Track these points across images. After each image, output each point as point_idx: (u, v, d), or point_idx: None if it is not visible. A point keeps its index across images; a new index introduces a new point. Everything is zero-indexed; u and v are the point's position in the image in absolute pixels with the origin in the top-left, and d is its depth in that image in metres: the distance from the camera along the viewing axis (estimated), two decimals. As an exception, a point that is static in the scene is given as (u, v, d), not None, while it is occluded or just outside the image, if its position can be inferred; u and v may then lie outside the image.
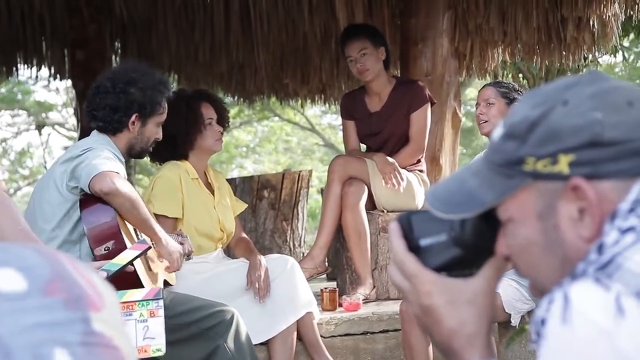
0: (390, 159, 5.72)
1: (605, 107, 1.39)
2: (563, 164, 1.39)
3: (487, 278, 1.56)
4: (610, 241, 1.34)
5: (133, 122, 4.20)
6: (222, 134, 5.06)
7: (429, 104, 5.90)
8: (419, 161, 5.97)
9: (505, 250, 1.51)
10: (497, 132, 1.48)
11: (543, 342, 1.32)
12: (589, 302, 1.27)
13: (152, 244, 4.16)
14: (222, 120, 5.08)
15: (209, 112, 5.00)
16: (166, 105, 4.33)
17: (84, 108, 4.34)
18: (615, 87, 1.43)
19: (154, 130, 4.28)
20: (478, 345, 1.54)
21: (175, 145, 4.97)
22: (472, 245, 1.56)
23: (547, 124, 1.40)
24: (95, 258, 3.89)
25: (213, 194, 5.06)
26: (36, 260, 0.93)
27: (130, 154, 4.35)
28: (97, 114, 4.21)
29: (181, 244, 4.43)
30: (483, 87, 5.18)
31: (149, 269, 4.08)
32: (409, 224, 1.60)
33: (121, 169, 4.03)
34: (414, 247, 1.59)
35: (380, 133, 5.92)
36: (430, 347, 4.66)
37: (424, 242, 1.59)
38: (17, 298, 0.88)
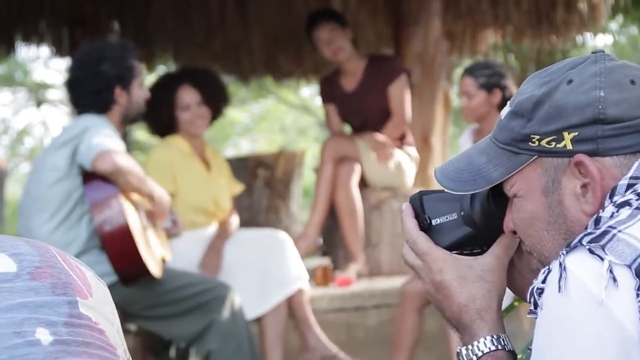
0: (380, 137, 5.82)
1: (608, 85, 1.41)
2: (567, 141, 1.41)
3: (497, 255, 1.60)
4: (606, 215, 1.37)
5: (120, 95, 4.25)
6: (209, 115, 5.09)
7: (405, 75, 5.92)
8: (404, 136, 6.03)
9: (511, 226, 1.54)
10: (504, 110, 1.51)
11: (540, 312, 1.36)
12: (584, 272, 1.31)
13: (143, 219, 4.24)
14: (212, 101, 5.10)
15: (186, 96, 5.00)
16: (139, 64, 4.38)
17: (69, 103, 4.42)
18: (619, 66, 1.45)
19: (140, 92, 4.34)
20: (487, 319, 1.57)
21: (161, 124, 5.10)
22: (481, 224, 1.59)
23: (551, 102, 1.43)
24: (100, 235, 4.00)
25: (210, 171, 5.11)
26: (27, 249, 0.96)
27: (129, 122, 4.44)
28: (82, 103, 4.26)
29: (174, 221, 4.52)
30: (462, 75, 5.08)
31: (147, 243, 4.17)
32: (421, 204, 1.64)
33: (121, 145, 4.11)
34: (425, 227, 1.63)
35: (361, 111, 5.95)
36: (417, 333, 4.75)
37: (435, 221, 1.62)
38: (5, 280, 0.91)
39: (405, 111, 5.92)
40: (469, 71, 5.03)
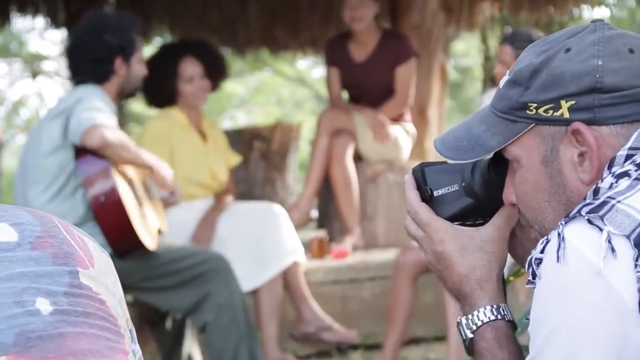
0: (380, 116, 5.80)
1: (606, 54, 1.41)
2: (564, 109, 1.41)
3: (498, 226, 1.61)
4: (605, 185, 1.37)
5: (119, 66, 4.24)
6: (210, 88, 5.10)
7: (415, 59, 5.91)
8: (402, 114, 6.00)
9: (511, 197, 1.54)
10: (503, 79, 1.52)
11: (538, 282, 1.37)
12: (583, 243, 1.32)
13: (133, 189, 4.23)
14: (213, 74, 5.10)
15: (189, 68, 5.00)
16: (140, 39, 4.39)
17: (67, 70, 4.40)
18: (618, 35, 1.45)
19: (139, 67, 4.33)
20: (487, 289, 1.58)
21: (161, 96, 5.09)
22: (482, 195, 1.60)
23: (549, 71, 1.43)
24: (92, 209, 4.00)
25: (206, 143, 5.11)
26: (29, 219, 0.95)
27: (125, 96, 4.44)
28: (81, 70, 4.24)
29: (172, 192, 4.51)
30: (502, 42, 4.95)
31: (142, 216, 4.17)
32: (423, 175, 1.65)
33: (111, 118, 4.09)
34: (427, 198, 1.64)
35: (363, 83, 5.91)
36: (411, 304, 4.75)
37: (437, 192, 1.63)
38: (7, 249, 0.91)
39: (408, 94, 5.91)
40: (509, 40, 4.83)
